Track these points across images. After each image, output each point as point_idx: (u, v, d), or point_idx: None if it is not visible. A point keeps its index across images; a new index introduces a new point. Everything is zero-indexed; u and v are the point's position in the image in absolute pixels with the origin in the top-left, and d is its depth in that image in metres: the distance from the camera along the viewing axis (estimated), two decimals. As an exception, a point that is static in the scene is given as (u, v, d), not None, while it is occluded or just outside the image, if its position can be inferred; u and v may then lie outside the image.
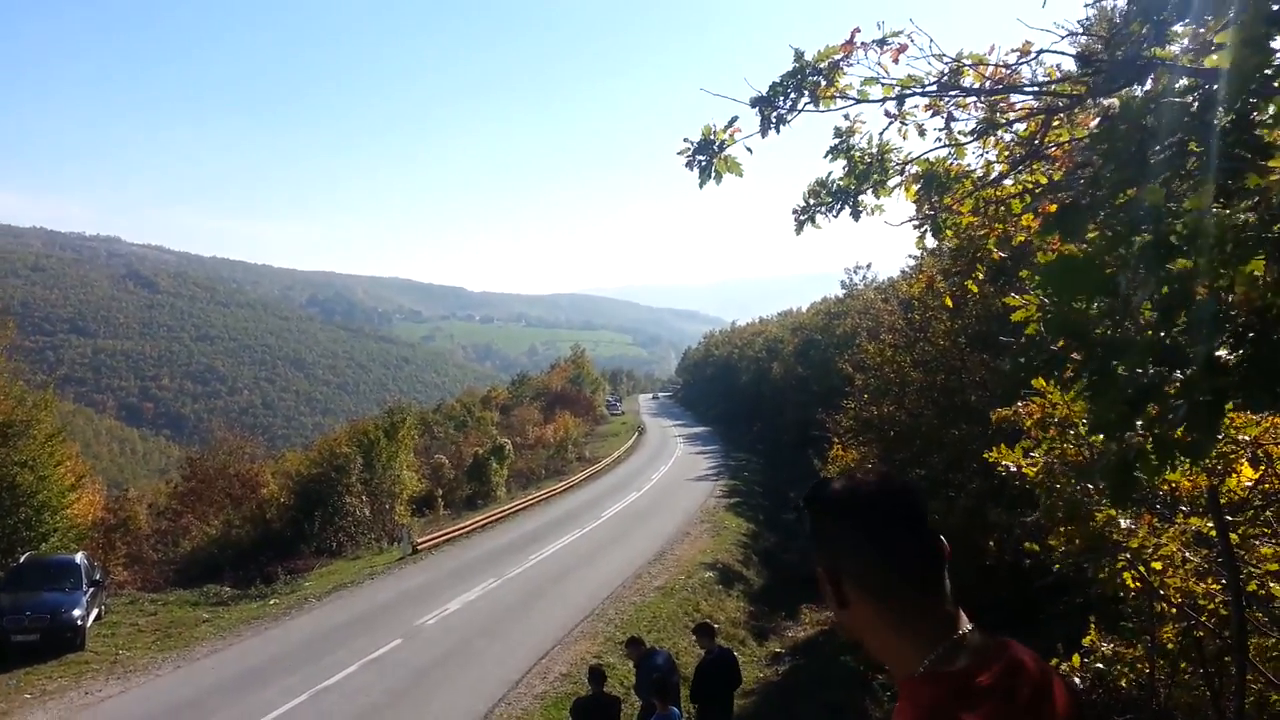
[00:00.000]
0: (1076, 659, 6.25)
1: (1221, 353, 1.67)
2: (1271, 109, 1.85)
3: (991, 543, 11.61)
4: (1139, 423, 1.82)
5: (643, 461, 52.92)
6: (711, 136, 4.67)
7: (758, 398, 66.21)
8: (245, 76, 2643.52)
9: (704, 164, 4.74)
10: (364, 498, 31.72)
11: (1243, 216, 1.68)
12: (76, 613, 16.05)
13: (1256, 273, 1.67)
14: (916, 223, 5.42)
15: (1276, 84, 1.77)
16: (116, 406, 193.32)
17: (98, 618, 17.94)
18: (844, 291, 58.40)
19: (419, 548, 26.88)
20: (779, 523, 34.87)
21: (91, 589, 17.09)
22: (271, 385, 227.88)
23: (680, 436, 68.28)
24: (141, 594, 22.68)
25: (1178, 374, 1.67)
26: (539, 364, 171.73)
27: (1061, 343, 1.92)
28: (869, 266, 58.20)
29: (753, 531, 30.81)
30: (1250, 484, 4.72)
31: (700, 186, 4.83)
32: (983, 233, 5.18)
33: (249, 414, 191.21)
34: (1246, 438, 4.56)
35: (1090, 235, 2.05)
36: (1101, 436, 1.98)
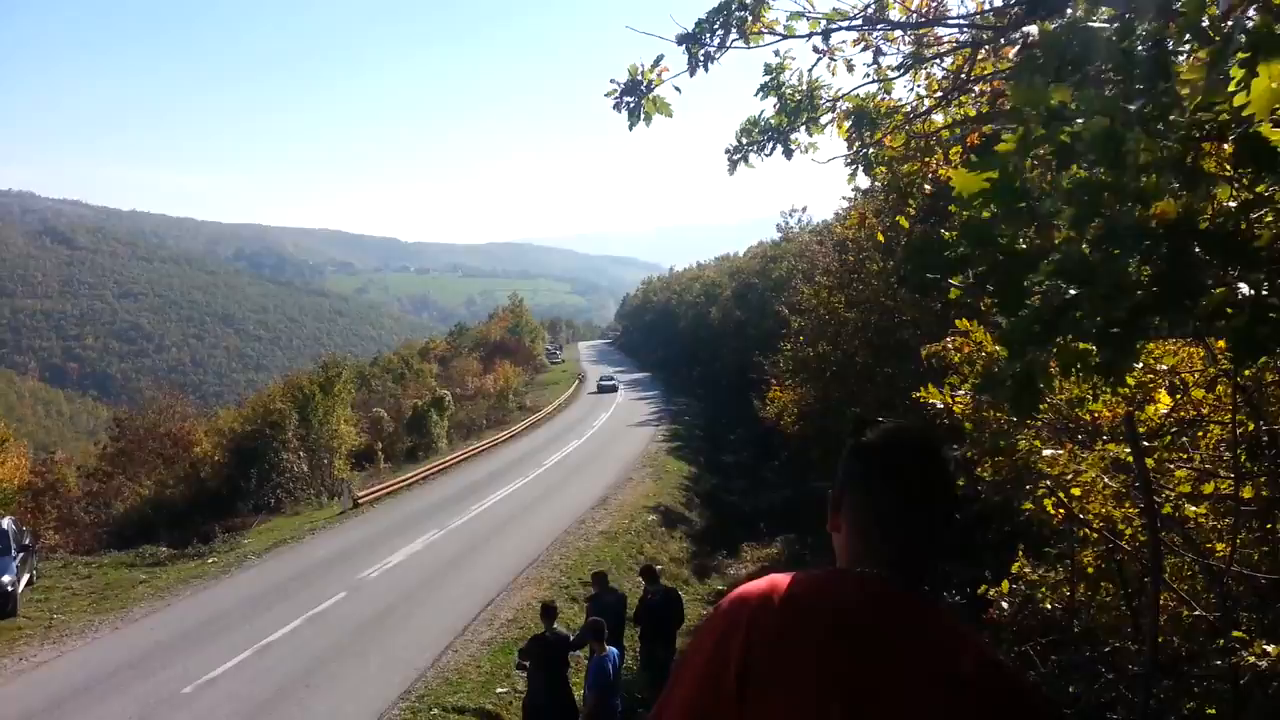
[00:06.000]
0: (1005, 585, 6.47)
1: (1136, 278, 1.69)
2: (1186, 36, 1.86)
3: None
4: (1050, 343, 1.84)
5: (584, 409, 53.02)
6: (639, 77, 4.58)
7: (696, 342, 66.50)
8: (159, 21, 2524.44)
9: (632, 106, 4.66)
10: (301, 454, 31.34)
11: (1159, 127, 1.69)
12: (6, 579, 15.59)
13: (1168, 190, 1.69)
14: (848, 160, 5.42)
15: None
16: (40, 368, 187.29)
17: (29, 583, 17.48)
18: (780, 235, 58.66)
19: (360, 502, 26.67)
20: (720, 465, 35.34)
21: (21, 554, 16.62)
22: (200, 342, 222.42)
23: (621, 383, 68.45)
24: (74, 557, 22.17)
25: (1092, 291, 1.69)
26: (477, 314, 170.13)
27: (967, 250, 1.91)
28: (804, 210, 58.68)
29: (694, 474, 31.18)
30: (1166, 411, 4.88)
31: (630, 129, 4.75)
32: (909, 166, 5.21)
33: (178, 372, 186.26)
34: (1164, 367, 4.72)
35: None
36: (1008, 354, 1.98)
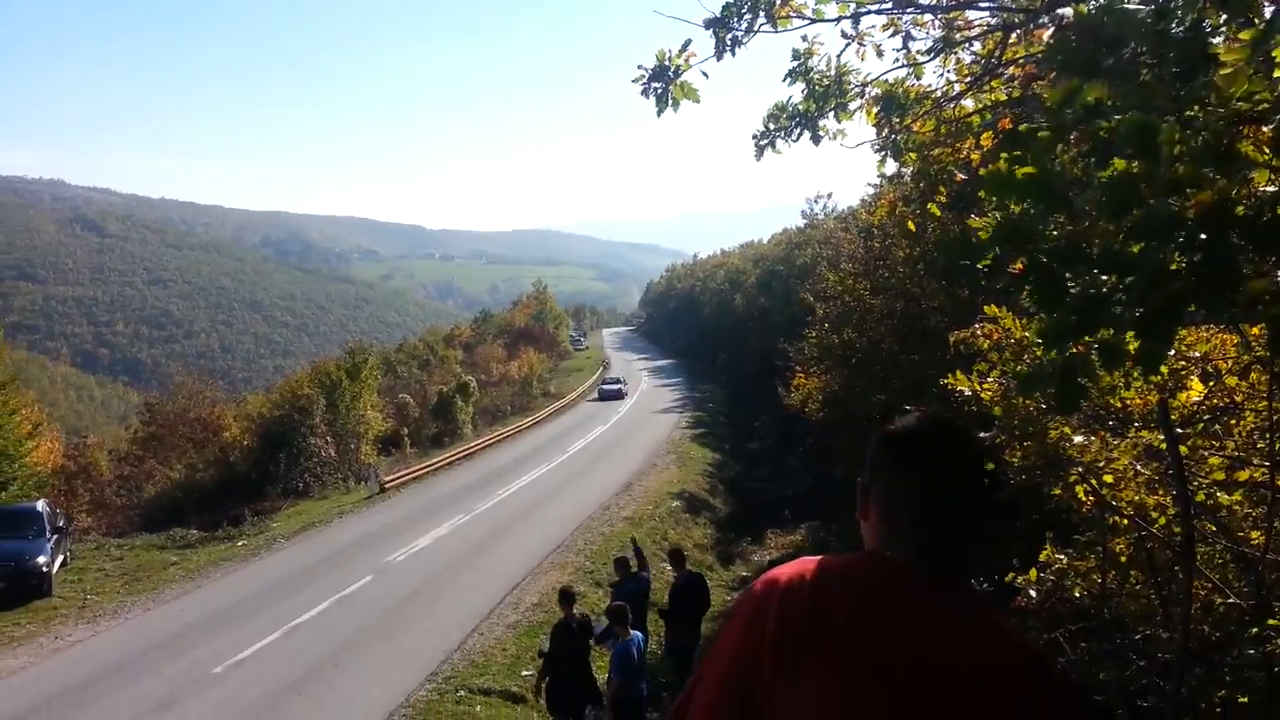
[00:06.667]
0: (1034, 573, 6.42)
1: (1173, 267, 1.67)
2: (1224, 16, 1.83)
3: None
4: (1088, 336, 1.83)
5: (608, 396, 53.05)
6: (666, 62, 4.57)
7: (720, 329, 66.28)
8: (187, 9, 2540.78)
9: (660, 91, 4.65)
10: (329, 438, 31.60)
11: (1191, 114, 1.67)
12: (41, 559, 15.91)
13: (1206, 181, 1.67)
14: (877, 146, 5.38)
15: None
16: (71, 353, 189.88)
17: (63, 564, 17.81)
18: (805, 222, 58.27)
19: (386, 486, 26.91)
20: (744, 452, 35.31)
21: (55, 536, 16.94)
22: (229, 328, 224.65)
23: (645, 370, 68.47)
24: (107, 539, 22.54)
25: (1129, 282, 1.67)
26: (501, 301, 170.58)
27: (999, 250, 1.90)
28: (830, 196, 58.14)
29: (718, 461, 31.19)
30: (1199, 399, 4.83)
31: (658, 114, 4.74)
32: (940, 152, 5.16)
33: (207, 357, 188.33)
34: (1197, 354, 4.67)
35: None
36: (1047, 348, 1.97)
